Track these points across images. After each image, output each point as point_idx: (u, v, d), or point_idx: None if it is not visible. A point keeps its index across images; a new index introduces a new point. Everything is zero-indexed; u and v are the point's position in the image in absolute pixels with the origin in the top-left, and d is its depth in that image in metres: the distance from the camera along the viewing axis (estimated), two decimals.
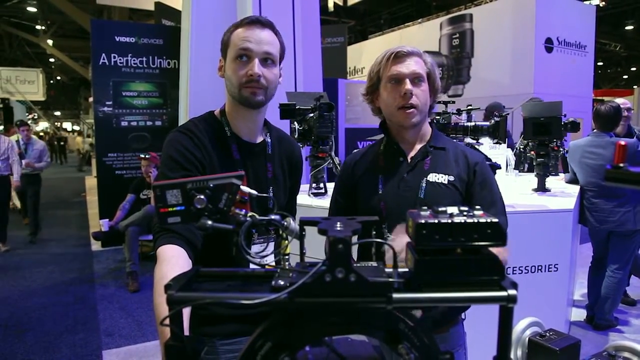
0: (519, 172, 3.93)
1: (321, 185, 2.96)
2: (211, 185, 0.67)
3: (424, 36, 9.77)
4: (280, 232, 0.71)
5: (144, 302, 4.32)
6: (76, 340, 3.59)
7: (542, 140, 3.04)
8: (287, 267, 0.65)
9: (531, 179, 3.48)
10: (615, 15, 15.14)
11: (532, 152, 3.10)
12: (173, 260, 1.02)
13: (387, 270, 0.63)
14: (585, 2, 10.60)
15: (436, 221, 0.58)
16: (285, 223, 0.71)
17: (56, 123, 34.04)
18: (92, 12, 14.23)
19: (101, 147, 6.36)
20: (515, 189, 3.26)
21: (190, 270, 0.67)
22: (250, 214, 0.68)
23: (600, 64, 20.88)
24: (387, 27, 14.22)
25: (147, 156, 5.35)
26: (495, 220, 0.59)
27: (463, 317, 1.49)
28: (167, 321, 0.60)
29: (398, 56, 1.37)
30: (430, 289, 0.58)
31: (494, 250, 0.60)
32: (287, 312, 0.59)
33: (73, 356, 3.36)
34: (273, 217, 0.70)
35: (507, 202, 1.45)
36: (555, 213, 2.51)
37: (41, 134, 26.12)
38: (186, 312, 0.76)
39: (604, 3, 13.16)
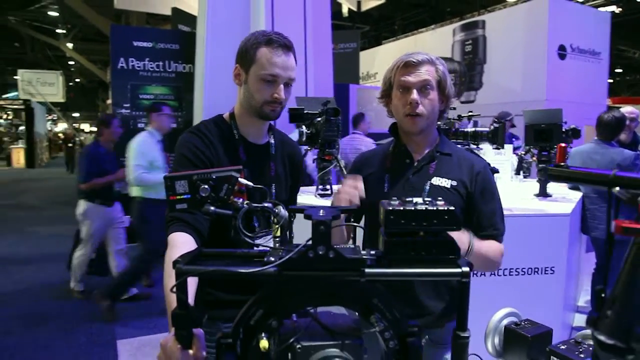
0: (524, 177, 3.99)
1: (327, 187, 3.06)
2: (214, 177, 0.79)
3: (437, 42, 9.81)
4: (272, 217, 0.82)
5: (156, 296, 4.48)
6: (93, 329, 3.80)
7: (544, 147, 3.10)
8: (277, 247, 0.76)
9: (535, 185, 3.53)
10: (635, 21, 14.94)
11: (534, 158, 3.16)
12: (183, 246, 1.13)
13: (363, 251, 0.74)
14: (600, 9, 10.54)
15: (402, 208, 0.69)
16: (277, 210, 0.82)
17: (74, 124, 34.74)
18: (111, 17, 14.56)
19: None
20: (518, 193, 3.31)
21: (194, 250, 0.78)
22: (246, 202, 0.79)
23: (619, 70, 20.60)
24: (401, 32, 14.30)
25: None
26: (452, 208, 0.69)
27: None
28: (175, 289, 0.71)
29: (408, 65, 1.41)
30: (398, 265, 0.69)
31: (458, 238, 0.70)
32: (276, 285, 0.70)
33: (90, 343, 3.56)
34: (266, 204, 0.81)
35: (506, 206, 1.50)
36: (552, 217, 2.57)
37: (61, 135, 26.71)
38: (190, 294, 0.86)
39: (620, 10, 13.05)
